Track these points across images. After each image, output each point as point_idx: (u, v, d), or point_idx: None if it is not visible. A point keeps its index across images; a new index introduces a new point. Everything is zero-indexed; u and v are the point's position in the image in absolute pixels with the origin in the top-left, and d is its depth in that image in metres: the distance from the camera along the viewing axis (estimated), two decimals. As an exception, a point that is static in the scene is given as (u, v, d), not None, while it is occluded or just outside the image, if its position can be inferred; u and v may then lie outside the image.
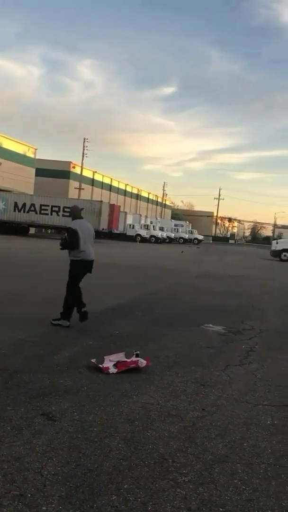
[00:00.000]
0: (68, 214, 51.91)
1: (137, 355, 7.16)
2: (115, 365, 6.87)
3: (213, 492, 3.96)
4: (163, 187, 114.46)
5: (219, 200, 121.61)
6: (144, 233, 66.73)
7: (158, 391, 6.27)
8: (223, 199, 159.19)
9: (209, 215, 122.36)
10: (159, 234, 69.68)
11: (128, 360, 7.02)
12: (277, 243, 48.32)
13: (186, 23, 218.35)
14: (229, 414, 5.71)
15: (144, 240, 64.51)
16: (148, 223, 72.57)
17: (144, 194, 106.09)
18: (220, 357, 8.26)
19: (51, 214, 52.90)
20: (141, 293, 15.09)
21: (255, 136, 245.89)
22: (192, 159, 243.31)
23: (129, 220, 68.13)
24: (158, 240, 67.65)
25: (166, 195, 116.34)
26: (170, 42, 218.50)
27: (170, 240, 73.57)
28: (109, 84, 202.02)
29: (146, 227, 69.49)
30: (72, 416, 5.22)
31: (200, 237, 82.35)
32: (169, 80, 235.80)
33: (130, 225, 67.16)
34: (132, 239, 63.97)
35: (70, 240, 9.38)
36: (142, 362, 7.01)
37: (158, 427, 5.15)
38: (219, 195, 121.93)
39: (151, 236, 67.45)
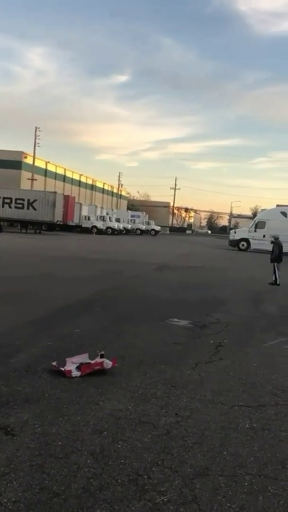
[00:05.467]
0: (20, 206, 50.80)
1: (101, 356, 6.67)
2: (78, 368, 6.37)
3: (197, 514, 3.54)
4: (119, 177, 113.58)
5: (175, 190, 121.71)
6: (100, 224, 65.73)
7: (127, 395, 5.80)
8: (179, 189, 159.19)
9: (166, 205, 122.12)
10: (115, 225, 68.87)
11: (93, 362, 6.52)
12: (235, 232, 48.56)
13: (139, 10, 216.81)
14: (204, 418, 5.30)
15: (100, 231, 63.59)
16: (104, 214, 71.65)
17: (99, 184, 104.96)
18: (189, 354, 7.86)
19: (3, 206, 51.38)
20: (101, 287, 14.56)
21: (210, 125, 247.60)
22: (147, 148, 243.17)
23: (85, 212, 66.96)
24: (114, 232, 66.92)
25: (121, 185, 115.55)
26: (123, 29, 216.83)
27: (127, 232, 72.96)
28: (61, 72, 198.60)
29: (102, 218, 68.51)
30: (33, 429, 4.69)
31: (157, 228, 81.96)
32: (122, 69, 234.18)
33: (85, 216, 66.01)
34: (88, 231, 62.92)
35: None
36: (108, 364, 6.53)
37: (129, 437, 4.69)
38: (175, 185, 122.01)
39: (108, 227, 66.59)
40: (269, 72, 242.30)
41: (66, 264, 21.01)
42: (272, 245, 20.19)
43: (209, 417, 5.34)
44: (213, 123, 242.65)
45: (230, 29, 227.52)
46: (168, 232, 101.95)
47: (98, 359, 6.58)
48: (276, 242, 19.78)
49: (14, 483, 3.73)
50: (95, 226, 64.48)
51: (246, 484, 4.01)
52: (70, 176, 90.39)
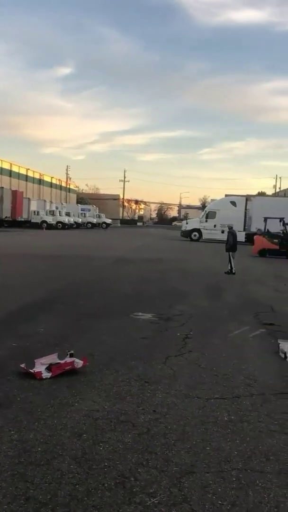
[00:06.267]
0: None
1: (71, 355, 6.52)
2: (49, 369, 6.18)
3: (189, 514, 3.46)
4: (67, 170, 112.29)
5: (124, 183, 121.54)
6: (50, 219, 64.72)
7: (101, 394, 5.67)
8: (129, 181, 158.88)
9: (116, 198, 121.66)
10: (66, 219, 68.04)
11: (63, 362, 6.35)
12: (186, 223, 48.89)
13: (80, 1, 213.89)
14: (182, 413, 5.24)
15: (50, 226, 62.65)
16: (54, 208, 70.65)
17: (47, 178, 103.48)
18: (158, 348, 7.79)
19: None
20: (59, 284, 14.31)
21: (156, 117, 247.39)
22: (94, 141, 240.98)
23: (33, 207, 65.83)
24: (65, 226, 66.08)
25: (70, 179, 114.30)
26: (64, 21, 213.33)
27: (77, 226, 72.21)
28: (1, 65, 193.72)
29: (52, 213, 67.53)
30: (9, 435, 4.51)
31: (109, 221, 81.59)
32: (65, 61, 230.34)
33: (34, 211, 64.96)
34: (38, 226, 61.92)
35: None
36: (79, 363, 6.37)
37: (110, 438, 4.57)
38: (124, 177, 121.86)
39: (58, 222, 65.67)
40: (212, 63, 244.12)
41: (18, 262, 20.59)
42: (227, 234, 20.25)
43: (187, 412, 5.29)
44: (159, 114, 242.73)
45: (173, 19, 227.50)
46: (119, 224, 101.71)
47: (68, 359, 6.41)
48: (231, 232, 19.92)
49: (-3, 496, 3.56)
50: (45, 221, 63.48)
51: (234, 479, 3.96)
52: (17, 170, 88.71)
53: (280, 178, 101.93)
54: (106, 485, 3.77)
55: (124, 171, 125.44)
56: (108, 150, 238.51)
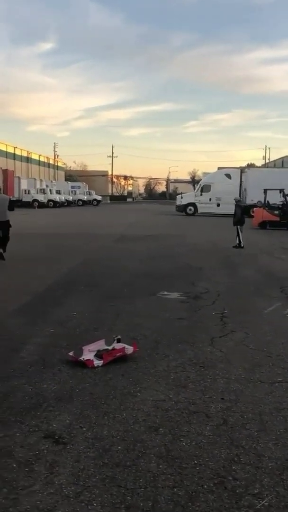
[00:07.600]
0: None
1: (118, 341, 6.21)
2: (99, 356, 5.85)
3: (308, 517, 3.17)
4: (54, 147, 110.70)
5: (112, 158, 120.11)
6: (41, 197, 63.77)
7: (160, 382, 5.36)
8: (116, 156, 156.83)
9: (104, 174, 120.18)
10: (57, 197, 67.11)
11: (111, 348, 6.03)
12: (181, 197, 48.29)
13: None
14: (252, 400, 4.95)
15: (42, 205, 61.77)
16: (44, 187, 69.62)
17: (35, 156, 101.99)
18: (198, 329, 7.50)
19: None
20: (72, 264, 13.90)
21: (140, 90, 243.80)
22: (79, 117, 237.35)
23: (24, 185, 64.78)
24: (57, 204, 65.23)
25: (57, 156, 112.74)
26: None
27: (68, 203, 71.34)
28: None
29: (43, 191, 66.56)
30: (82, 433, 4.19)
31: (99, 197, 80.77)
32: (47, 36, 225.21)
33: (25, 190, 63.96)
34: (29, 205, 60.95)
35: None
36: (129, 349, 6.04)
37: (188, 431, 4.26)
38: (112, 153, 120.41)
39: (49, 200, 64.80)
40: (196, 34, 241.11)
41: (22, 242, 20.10)
42: (234, 207, 19.82)
43: (257, 398, 4.99)
44: (144, 87, 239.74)
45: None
46: (109, 201, 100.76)
47: (116, 345, 6.09)
48: (238, 204, 19.55)
49: (94, 504, 3.24)
50: (36, 200, 62.61)
51: None
52: (4, 149, 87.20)
53: (269, 148, 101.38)
54: (205, 486, 3.47)
55: (112, 147, 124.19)
56: (94, 126, 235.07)
